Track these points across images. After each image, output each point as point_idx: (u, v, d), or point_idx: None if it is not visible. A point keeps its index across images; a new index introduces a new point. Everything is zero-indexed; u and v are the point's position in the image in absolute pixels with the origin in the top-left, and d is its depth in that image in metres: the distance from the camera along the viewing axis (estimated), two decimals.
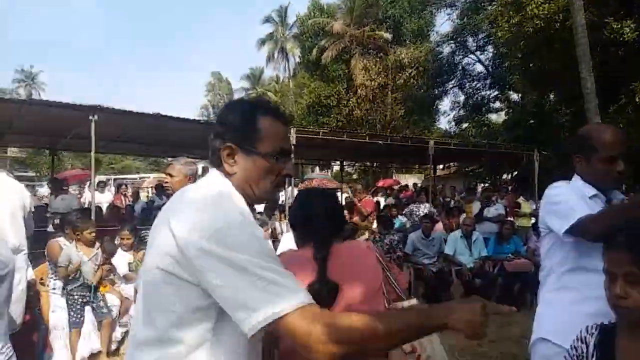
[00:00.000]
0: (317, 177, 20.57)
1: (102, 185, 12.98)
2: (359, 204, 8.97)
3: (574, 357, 1.38)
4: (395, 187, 17.99)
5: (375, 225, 8.19)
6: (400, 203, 12.53)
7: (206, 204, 1.09)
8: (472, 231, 7.00)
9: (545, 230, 2.02)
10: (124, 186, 14.95)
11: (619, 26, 9.67)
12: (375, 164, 22.14)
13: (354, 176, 31.32)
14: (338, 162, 16.70)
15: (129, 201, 12.24)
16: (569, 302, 1.86)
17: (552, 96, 15.60)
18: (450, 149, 11.22)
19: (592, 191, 1.92)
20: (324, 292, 1.39)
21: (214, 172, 1.24)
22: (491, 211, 8.24)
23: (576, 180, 1.99)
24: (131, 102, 69.70)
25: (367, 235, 7.69)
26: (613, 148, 1.86)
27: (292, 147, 8.61)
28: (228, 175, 1.22)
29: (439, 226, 9.76)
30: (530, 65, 13.06)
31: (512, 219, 9.75)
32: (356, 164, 22.92)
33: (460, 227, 7.26)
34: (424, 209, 10.21)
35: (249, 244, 1.03)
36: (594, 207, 1.84)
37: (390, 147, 10.30)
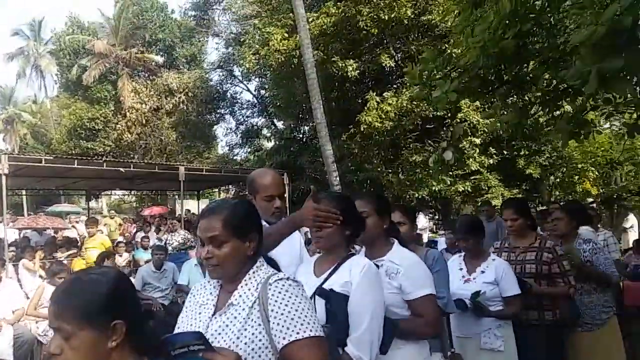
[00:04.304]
0: (54, 211, 18.00)
1: None
2: None
3: None
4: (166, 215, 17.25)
5: None
6: (158, 232, 11.99)
7: None
8: None
9: None
10: None
11: (344, 65, 11.11)
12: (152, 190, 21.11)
13: (134, 204, 29.26)
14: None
15: None
16: None
17: (305, 126, 17.09)
18: (205, 174, 11.19)
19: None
20: None
21: None
22: None
23: None
24: None
25: None
26: (269, 189, 2.27)
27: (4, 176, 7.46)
28: None
29: (192, 253, 9.54)
30: (281, 97, 14.09)
31: None
32: (132, 192, 21.46)
33: (196, 254, 7.12)
34: (178, 237, 9.89)
35: None
36: None
37: (137, 174, 9.72)
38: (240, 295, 1.47)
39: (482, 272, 3.09)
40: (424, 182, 11.86)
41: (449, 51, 6.34)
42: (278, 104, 15.78)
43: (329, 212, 1.88)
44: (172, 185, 12.24)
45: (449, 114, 10.81)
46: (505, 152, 12.17)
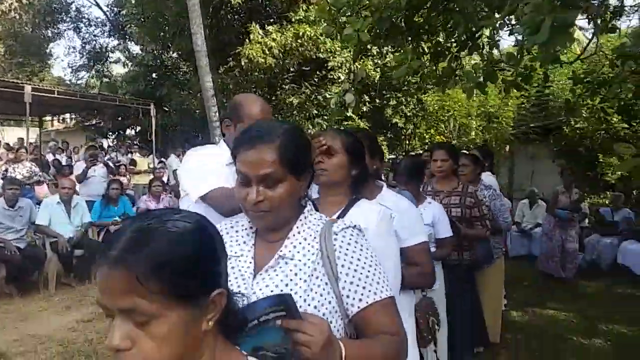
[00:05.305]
0: None
1: None
2: None
3: None
4: None
5: None
6: None
7: None
8: (73, 195, 5.98)
9: (183, 192, 2.01)
10: None
11: None
12: None
13: None
14: None
15: None
16: None
17: (171, 53, 15.59)
18: (56, 97, 9.48)
19: (231, 159, 1.74)
20: None
21: None
22: (97, 171, 7.28)
23: (220, 145, 1.99)
24: None
25: None
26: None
27: None
28: None
29: (43, 189, 8.28)
30: (147, 15, 12.50)
31: (128, 177, 9.21)
32: None
33: (58, 191, 6.10)
34: (23, 169, 8.40)
35: None
36: (229, 175, 1.76)
37: None
38: (295, 247, 1.15)
39: (420, 214, 3.09)
40: (300, 125, 11.81)
41: None
42: (143, 23, 13.91)
43: (322, 144, 1.65)
44: (11, 107, 10.14)
45: (331, 57, 10.72)
46: (377, 101, 12.62)
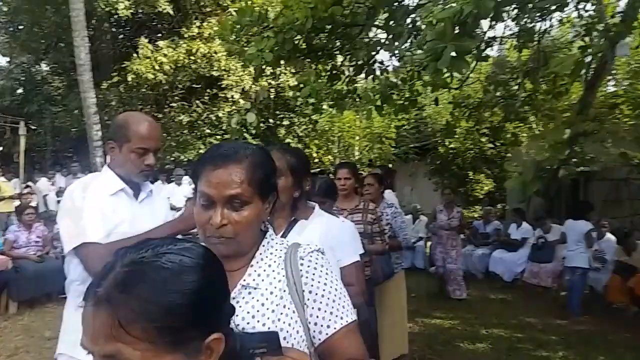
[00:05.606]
0: None
1: None
2: None
3: None
4: None
5: None
6: None
7: None
8: None
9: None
10: None
11: (115, 0, 9.57)
12: None
13: None
14: None
15: None
16: None
17: (43, 65, 14.19)
18: None
19: (119, 185, 1.79)
20: None
21: None
22: None
23: (105, 172, 1.85)
24: None
25: None
26: (145, 141, 1.78)
27: None
28: None
29: None
30: (20, 25, 11.29)
31: None
32: None
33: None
34: None
35: None
36: (116, 206, 1.75)
37: None
38: (260, 275, 1.08)
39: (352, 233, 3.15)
40: (191, 145, 11.42)
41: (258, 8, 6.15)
42: (14, 33, 12.48)
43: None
44: None
45: (225, 76, 10.59)
46: (270, 121, 12.69)
